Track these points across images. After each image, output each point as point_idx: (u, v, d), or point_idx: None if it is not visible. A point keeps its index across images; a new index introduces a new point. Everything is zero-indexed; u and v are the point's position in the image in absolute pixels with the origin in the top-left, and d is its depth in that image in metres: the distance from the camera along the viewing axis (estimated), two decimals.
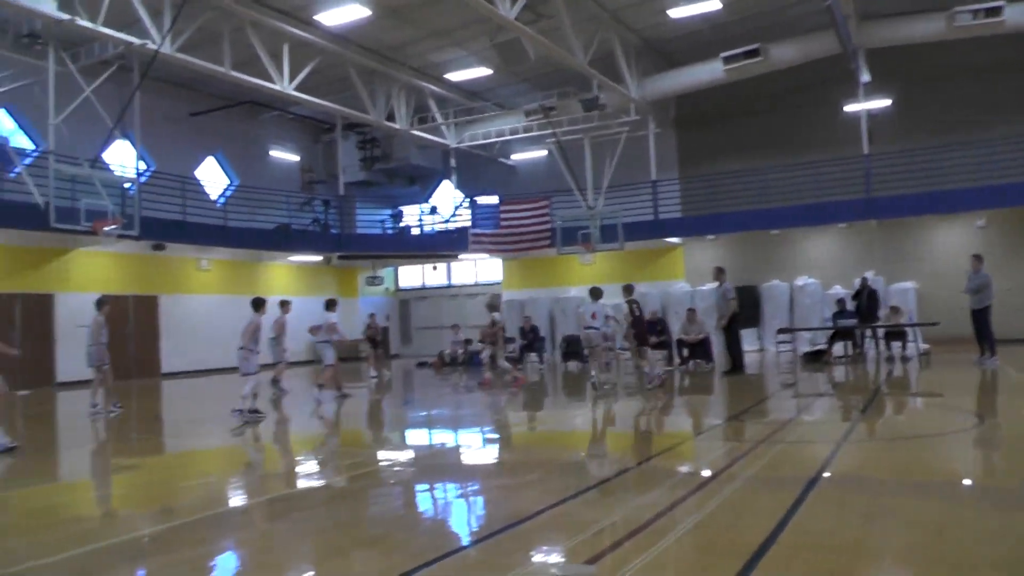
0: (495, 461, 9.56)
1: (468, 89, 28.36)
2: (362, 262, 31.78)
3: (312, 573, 5.26)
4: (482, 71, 26.43)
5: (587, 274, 28.47)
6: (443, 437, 11.54)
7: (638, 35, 24.14)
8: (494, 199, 29.40)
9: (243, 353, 13.31)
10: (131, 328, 24.48)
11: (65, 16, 17.32)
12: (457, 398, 16.58)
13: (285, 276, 30.13)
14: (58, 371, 22.17)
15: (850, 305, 20.90)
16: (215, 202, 28.67)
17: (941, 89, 24.61)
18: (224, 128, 29.24)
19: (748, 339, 21.80)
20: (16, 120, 23.56)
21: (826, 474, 7.17)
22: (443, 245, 29.68)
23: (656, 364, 16.72)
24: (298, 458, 10.38)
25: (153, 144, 25.62)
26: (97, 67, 20.40)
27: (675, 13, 22.21)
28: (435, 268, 33.95)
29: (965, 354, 17.77)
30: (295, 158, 32.85)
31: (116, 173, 22.83)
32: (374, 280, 32.40)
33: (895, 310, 20.58)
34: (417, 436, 11.97)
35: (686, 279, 27.46)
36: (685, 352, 20.29)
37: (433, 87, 27.01)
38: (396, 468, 9.05)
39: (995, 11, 20.55)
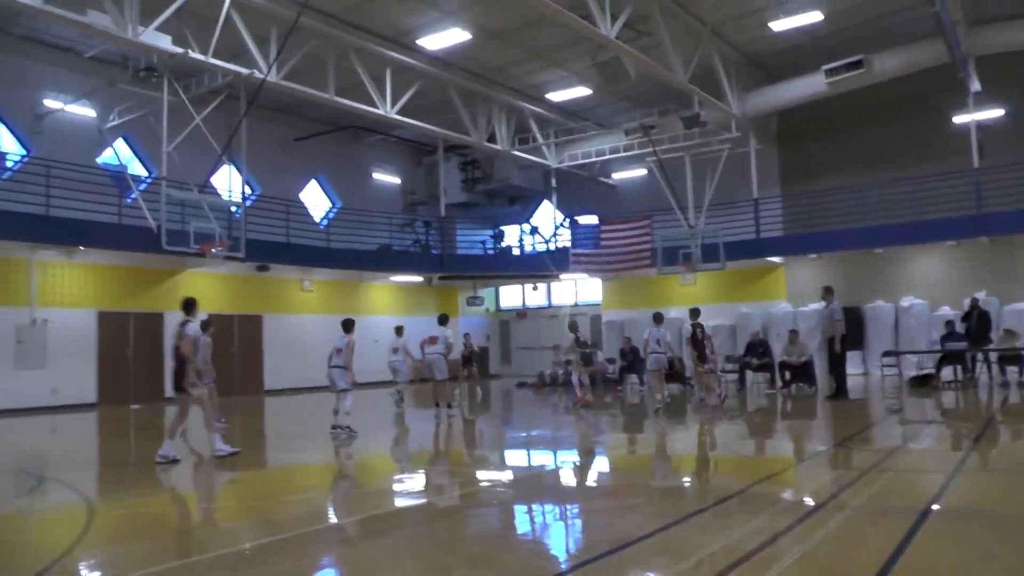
0: (597, 483, 9.42)
1: (568, 109, 28.31)
2: (462, 282, 31.94)
3: None
4: (582, 91, 26.35)
5: (687, 294, 28.02)
6: (543, 458, 11.46)
7: (738, 50, 23.72)
8: (594, 219, 29.22)
9: (339, 371, 13.68)
10: (236, 346, 25.13)
11: (179, 50, 18.09)
12: (557, 419, 16.44)
13: (386, 296, 30.49)
14: (166, 387, 22.80)
15: (959, 327, 19.98)
16: (318, 224, 29.25)
17: None
18: (327, 152, 29.82)
19: (851, 362, 20.88)
20: (133, 148, 24.64)
21: (939, 506, 6.85)
22: (543, 265, 29.61)
23: (716, 384, 17.31)
24: (398, 476, 10.38)
25: (258, 169, 26.33)
26: (207, 96, 21.15)
27: (776, 26, 21.74)
28: (535, 288, 33.90)
29: None
30: (397, 180, 33.29)
31: (223, 197, 23.52)
32: (474, 300, 32.51)
33: (1010, 333, 19.59)
34: (517, 456, 11.92)
35: (788, 299, 26.69)
36: (787, 375, 19.79)
37: (533, 107, 27.04)
38: (497, 488, 9.02)
39: None
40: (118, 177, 22.34)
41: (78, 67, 22.81)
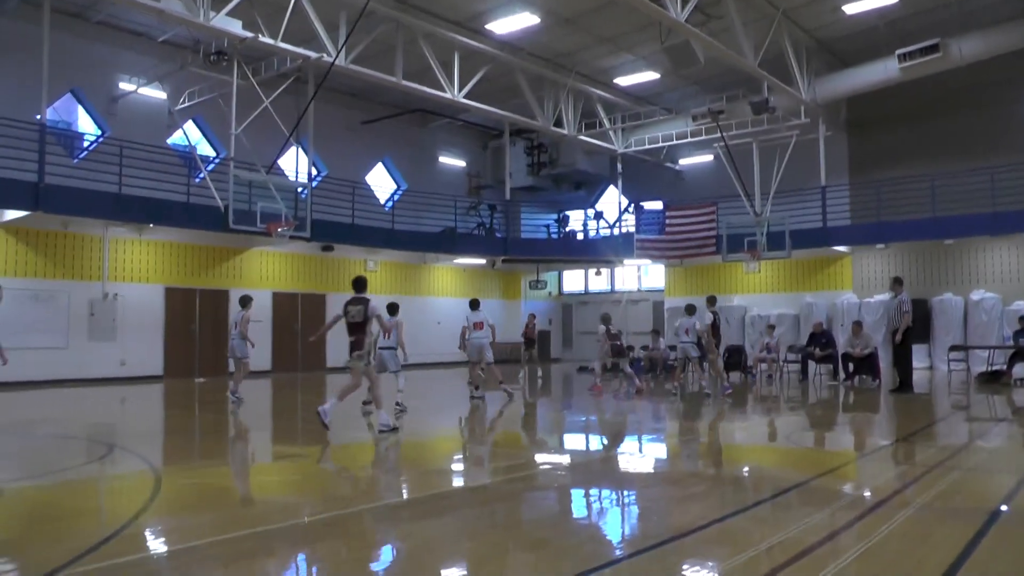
0: (654, 470, 9.32)
1: (636, 94, 28.07)
2: (526, 266, 31.94)
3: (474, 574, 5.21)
4: (650, 75, 26.12)
5: (751, 282, 27.71)
6: (601, 443, 11.41)
7: (810, 34, 23.21)
8: (659, 205, 28.98)
9: (389, 353, 14.15)
10: (299, 324, 25.52)
11: (249, 34, 18.48)
12: (616, 404, 16.33)
13: (449, 278, 30.66)
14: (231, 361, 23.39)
15: None
16: (383, 206, 29.45)
17: None
18: (394, 135, 30.01)
19: (917, 356, 20.20)
20: (202, 130, 25.18)
21: (1008, 507, 6.63)
22: (607, 250, 29.48)
23: (723, 375, 17.86)
24: (456, 456, 10.41)
25: (325, 151, 26.64)
26: (275, 80, 21.56)
27: (850, 9, 21.16)
28: (598, 273, 33.80)
29: None
30: (462, 163, 33.40)
31: (290, 178, 23.82)
32: (537, 284, 32.51)
33: None
34: (575, 440, 11.88)
35: (853, 290, 26.15)
36: (850, 367, 19.36)
37: (601, 92, 26.87)
38: (556, 472, 8.99)
39: None
40: (187, 158, 22.84)
41: (151, 51, 23.34)
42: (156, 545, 5.80)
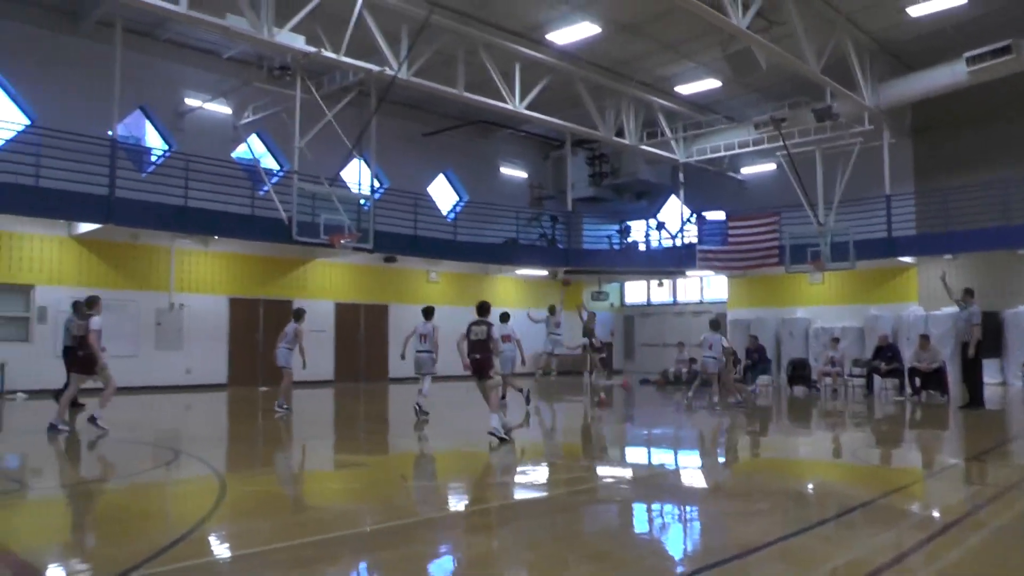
0: (717, 485, 9.14)
1: (697, 102, 27.87)
2: (588, 277, 31.84)
3: None
4: (711, 83, 25.93)
5: (815, 294, 27.25)
6: (664, 456, 11.30)
7: (873, 38, 22.74)
8: (721, 215, 28.72)
9: (427, 356, 15.08)
10: (362, 335, 25.77)
11: (312, 49, 18.78)
12: (679, 417, 16.15)
13: (511, 289, 30.68)
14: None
15: None
16: (445, 217, 29.61)
17: None
18: (455, 147, 30.20)
19: (988, 371, 19.54)
20: (266, 144, 25.63)
21: None
22: (669, 261, 29.27)
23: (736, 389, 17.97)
24: (517, 468, 10.31)
25: (387, 163, 26.89)
26: (338, 93, 21.78)
27: (915, 11, 20.67)
28: (660, 284, 33.56)
29: None
30: (524, 175, 33.44)
31: (353, 190, 24.10)
32: (599, 295, 32.39)
33: None
34: (637, 453, 11.78)
35: (920, 302, 25.26)
36: (917, 381, 18.82)
37: (662, 101, 26.73)
38: (618, 485, 8.90)
39: None
40: (251, 171, 23.25)
41: (216, 68, 23.88)
42: (222, 550, 5.90)
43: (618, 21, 21.44)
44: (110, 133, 19.37)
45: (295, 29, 18.08)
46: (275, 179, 23.45)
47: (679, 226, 30.57)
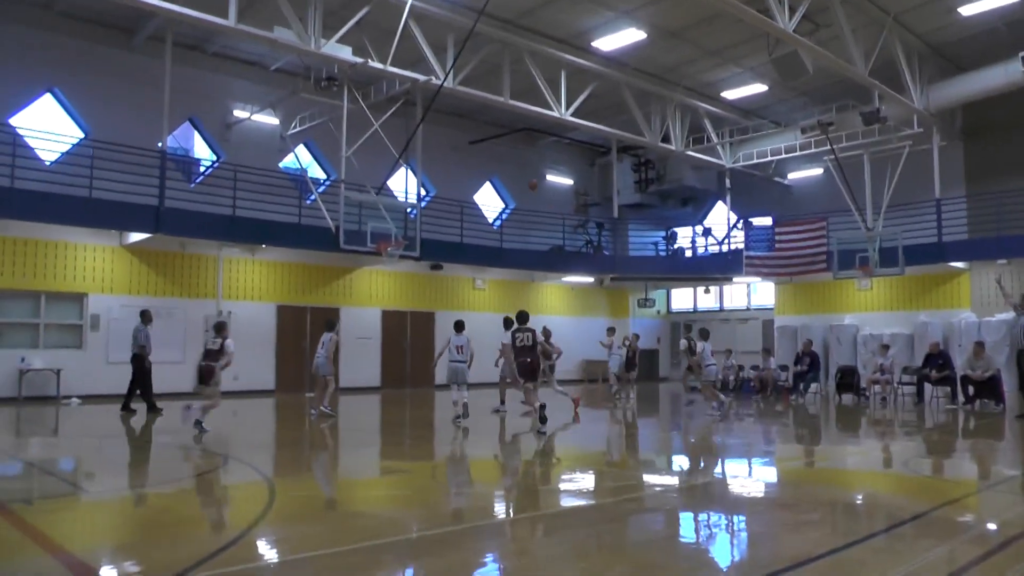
0: (766, 494, 9.05)
1: (743, 107, 27.68)
2: (634, 284, 31.71)
3: None
4: (758, 87, 25.72)
5: (863, 300, 26.83)
6: (711, 464, 11.19)
7: (922, 39, 22.35)
8: (768, 220, 28.44)
9: (463, 367, 15.71)
10: (408, 342, 25.94)
11: (359, 60, 18.95)
12: (726, 425, 15.97)
13: (557, 297, 30.67)
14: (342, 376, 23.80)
15: None
16: (491, 224, 29.68)
17: None
18: (501, 154, 30.26)
19: None
20: (313, 153, 25.90)
21: None
22: (716, 268, 29.04)
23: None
24: (566, 475, 10.28)
25: (434, 171, 26.99)
26: (385, 103, 22.00)
27: (966, 11, 20.26)
28: (707, 291, 33.31)
29: None
30: (569, 181, 33.39)
31: (399, 199, 24.25)
32: (646, 302, 32.24)
33: None
34: (682, 461, 11.71)
35: (972, 308, 24.59)
36: (970, 390, 18.40)
37: (708, 106, 26.57)
38: (666, 494, 8.85)
39: None
40: (299, 180, 23.52)
41: (264, 79, 24.19)
42: (272, 555, 5.97)
43: (663, 27, 21.36)
44: (160, 145, 19.70)
45: (342, 40, 18.34)
46: (322, 188, 23.72)
47: (726, 232, 30.31)
